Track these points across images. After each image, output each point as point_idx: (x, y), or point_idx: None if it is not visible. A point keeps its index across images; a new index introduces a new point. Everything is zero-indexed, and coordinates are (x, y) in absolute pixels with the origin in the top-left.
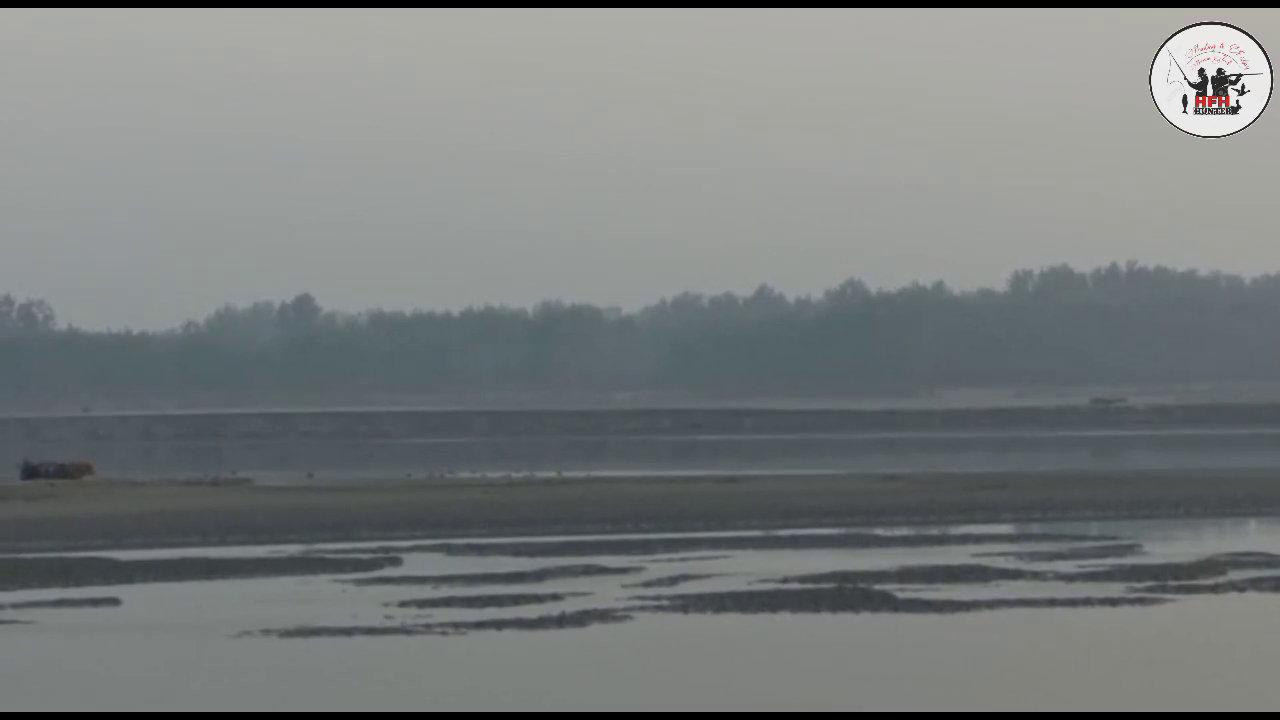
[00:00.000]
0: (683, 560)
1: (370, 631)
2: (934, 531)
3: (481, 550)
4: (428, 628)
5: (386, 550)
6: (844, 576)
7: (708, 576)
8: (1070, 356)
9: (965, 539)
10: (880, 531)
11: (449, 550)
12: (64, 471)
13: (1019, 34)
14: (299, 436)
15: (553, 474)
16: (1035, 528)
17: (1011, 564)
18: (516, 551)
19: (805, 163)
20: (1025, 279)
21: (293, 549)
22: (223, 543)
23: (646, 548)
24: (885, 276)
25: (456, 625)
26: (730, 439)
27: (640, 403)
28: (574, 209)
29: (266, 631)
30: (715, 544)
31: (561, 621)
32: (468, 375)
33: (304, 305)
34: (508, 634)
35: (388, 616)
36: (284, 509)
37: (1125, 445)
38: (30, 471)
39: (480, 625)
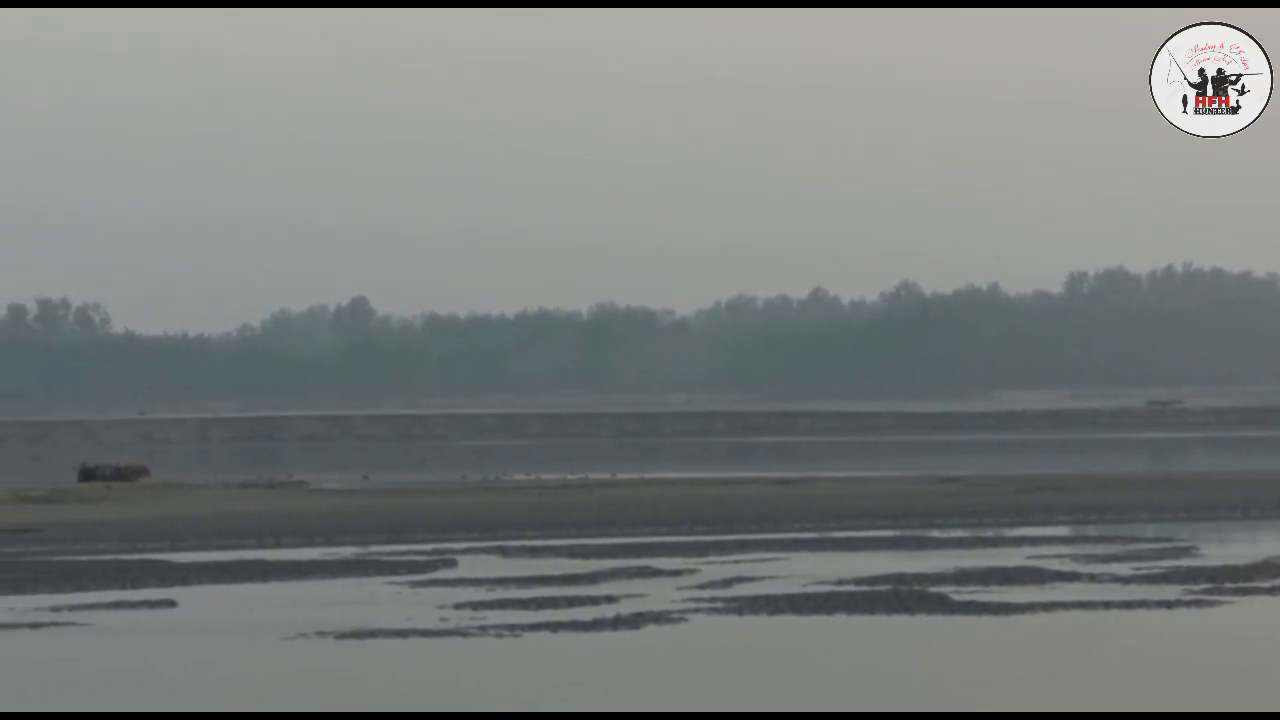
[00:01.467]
0: (737, 562)
1: (425, 634)
2: (989, 533)
3: (536, 552)
4: (483, 630)
5: (441, 552)
6: (899, 579)
7: (762, 579)
8: (1126, 358)
9: (1021, 541)
10: (935, 533)
11: (504, 552)
12: (120, 474)
13: (1053, 35)
14: (354, 439)
15: (607, 476)
16: (1091, 530)
17: (1067, 566)
18: (571, 553)
19: (859, 166)
20: (1080, 281)
21: (348, 551)
22: (278, 545)
23: (701, 550)
24: (940, 278)
25: (511, 627)
26: (785, 441)
27: (694, 405)
28: (628, 212)
29: (322, 634)
30: (770, 546)
31: (616, 624)
32: (522, 378)
33: (359, 308)
34: (563, 636)
35: (443, 619)
36: (339, 511)
37: (1181, 447)
38: (87, 474)
39: (535, 627)
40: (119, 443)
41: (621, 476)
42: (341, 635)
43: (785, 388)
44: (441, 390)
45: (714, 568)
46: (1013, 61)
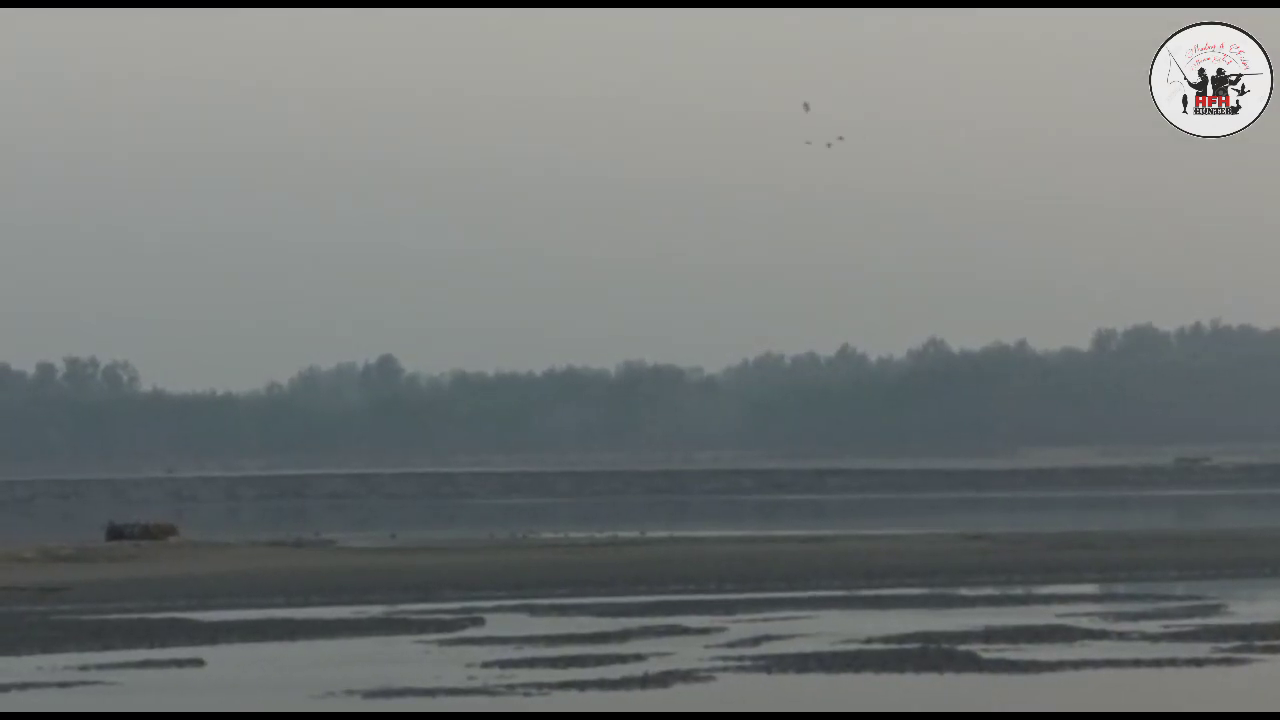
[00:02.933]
0: (766, 620)
1: (453, 692)
2: (1018, 591)
3: (564, 610)
4: (510, 688)
5: (469, 611)
6: (928, 637)
7: (791, 637)
8: (1155, 415)
9: (1050, 599)
10: (964, 591)
11: (532, 611)
12: (148, 532)
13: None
14: (382, 497)
15: (635, 534)
16: (1120, 588)
17: (1096, 624)
18: (599, 612)
19: (886, 220)
20: (1108, 338)
21: (376, 610)
22: (306, 603)
23: (729, 608)
24: (968, 335)
25: (539, 686)
26: (813, 499)
27: (723, 463)
28: (656, 270)
29: (350, 692)
30: (798, 604)
31: (645, 682)
32: (550, 436)
33: (387, 366)
34: (591, 694)
35: (471, 677)
36: (367, 570)
37: (1211, 504)
38: (115, 532)
39: (563, 686)
40: (147, 501)
41: (650, 534)
42: (369, 694)
43: (813, 445)
44: (469, 448)
45: (742, 626)
46: (1036, 101)
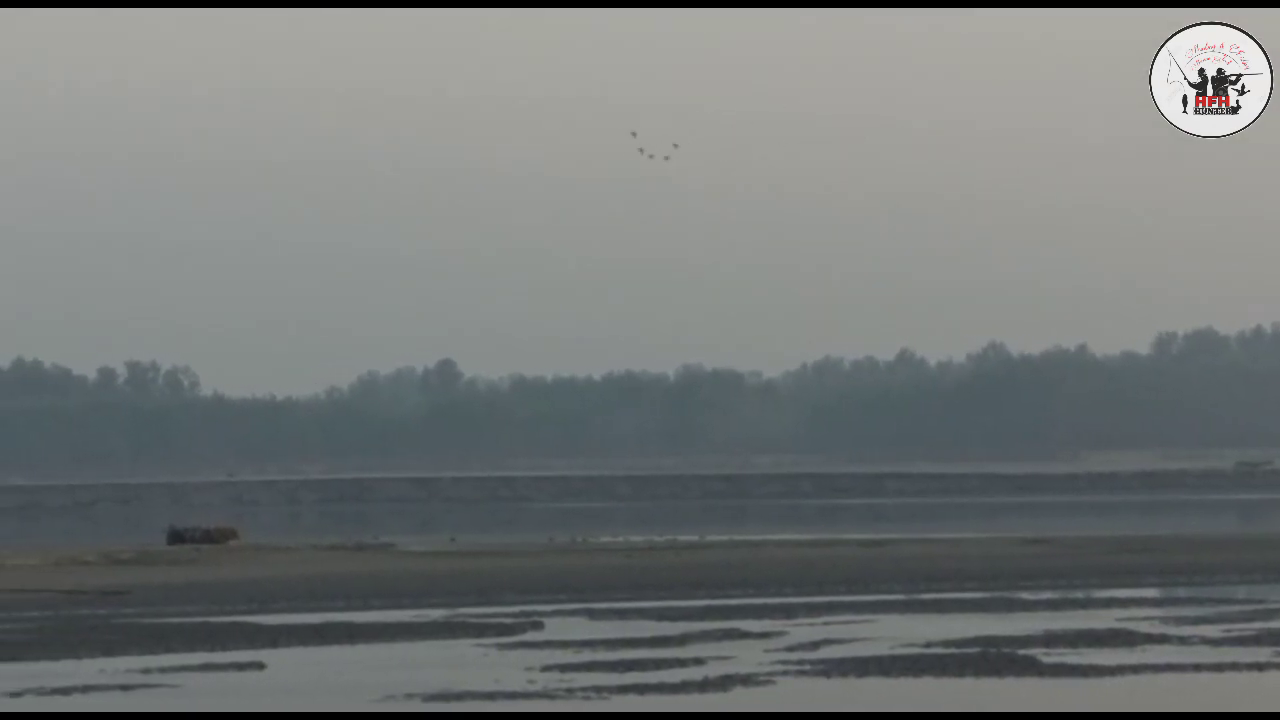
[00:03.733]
0: (825, 624)
1: (513, 696)
2: (1079, 595)
3: (623, 614)
4: (570, 692)
5: (529, 614)
6: (988, 641)
7: (850, 641)
8: (1215, 419)
9: (1110, 603)
10: (1024, 595)
11: (591, 614)
12: (209, 536)
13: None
14: (442, 501)
15: (694, 538)
16: (1181, 591)
17: (1157, 628)
18: (658, 616)
19: (945, 224)
20: (1169, 341)
21: (436, 613)
22: (366, 607)
23: (788, 612)
24: (1027, 339)
25: (599, 690)
26: (872, 503)
27: (782, 466)
28: (713, 274)
29: (410, 695)
30: (858, 608)
31: (704, 686)
32: (609, 440)
33: (446, 370)
34: (650, 698)
35: (530, 681)
36: (427, 573)
37: (1271, 508)
38: (176, 536)
39: (622, 689)
40: (208, 505)
41: (709, 538)
42: (429, 697)
43: (872, 449)
44: (528, 452)
45: (802, 630)
46: (1084, 102)
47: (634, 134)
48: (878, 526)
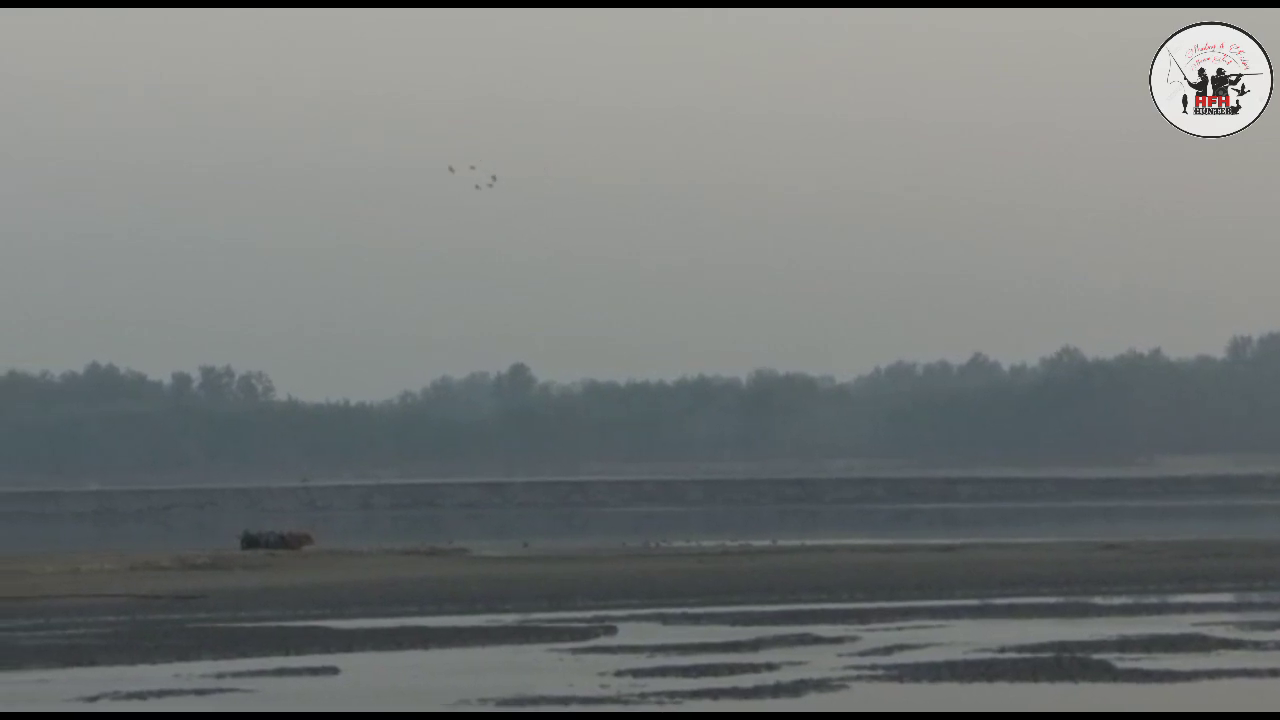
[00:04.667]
0: (898, 629)
1: (587, 701)
2: (1153, 600)
3: (696, 619)
4: (643, 697)
5: (602, 619)
6: (1062, 646)
7: (924, 646)
8: None
9: (1185, 608)
10: (1098, 600)
11: (664, 619)
12: (284, 541)
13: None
14: (515, 506)
15: (767, 543)
16: (1256, 596)
17: (1232, 633)
18: (731, 620)
19: (1019, 228)
20: (1244, 345)
21: (509, 618)
22: (440, 612)
23: (862, 617)
24: (1101, 343)
25: (672, 694)
26: (945, 507)
27: (855, 471)
28: (786, 278)
29: (484, 700)
30: (931, 613)
31: (777, 691)
32: (682, 444)
33: (519, 375)
34: (723, 703)
35: (604, 685)
36: (500, 578)
37: None
38: (250, 541)
39: (695, 694)
40: (282, 510)
41: (782, 543)
42: (503, 702)
43: (945, 454)
44: (601, 457)
45: (875, 635)
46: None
47: (451, 169)
48: (951, 531)
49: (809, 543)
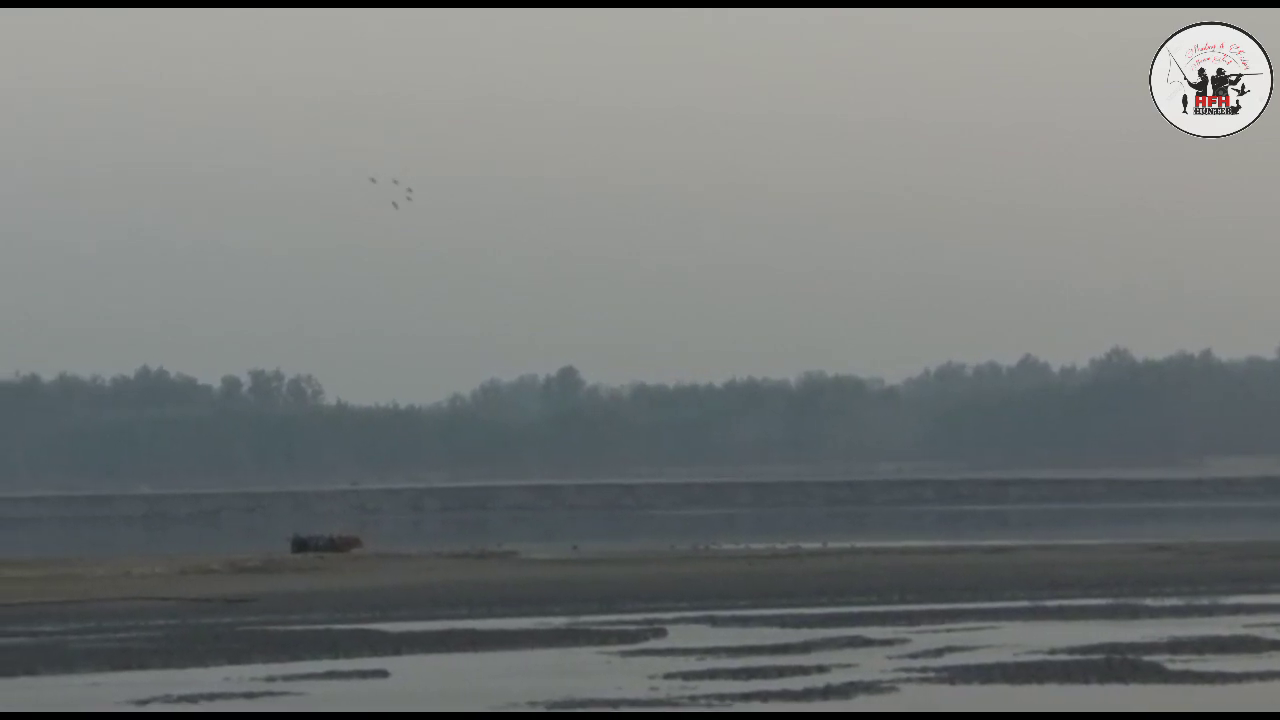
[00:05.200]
0: (948, 631)
1: (636, 704)
2: (1204, 602)
3: (746, 622)
4: (693, 699)
5: (651, 622)
6: (1112, 648)
7: (974, 648)
8: None
9: (1236, 609)
10: (1149, 602)
11: (714, 622)
12: (333, 544)
13: None
14: (564, 509)
15: (817, 545)
16: None
17: None
18: (781, 623)
19: (1067, 229)
20: None
21: (558, 621)
22: (489, 615)
23: (911, 619)
24: (1151, 344)
25: (722, 697)
26: (995, 509)
27: (904, 473)
28: (835, 281)
29: (533, 703)
30: (981, 615)
31: (827, 693)
32: (730, 447)
33: (568, 378)
34: (773, 705)
35: (653, 688)
36: (549, 581)
37: None
38: (300, 544)
39: (745, 697)
40: (331, 513)
41: (831, 545)
42: (553, 704)
43: (995, 455)
44: (650, 460)
45: (925, 637)
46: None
47: (373, 180)
48: (1000, 533)
49: (858, 545)
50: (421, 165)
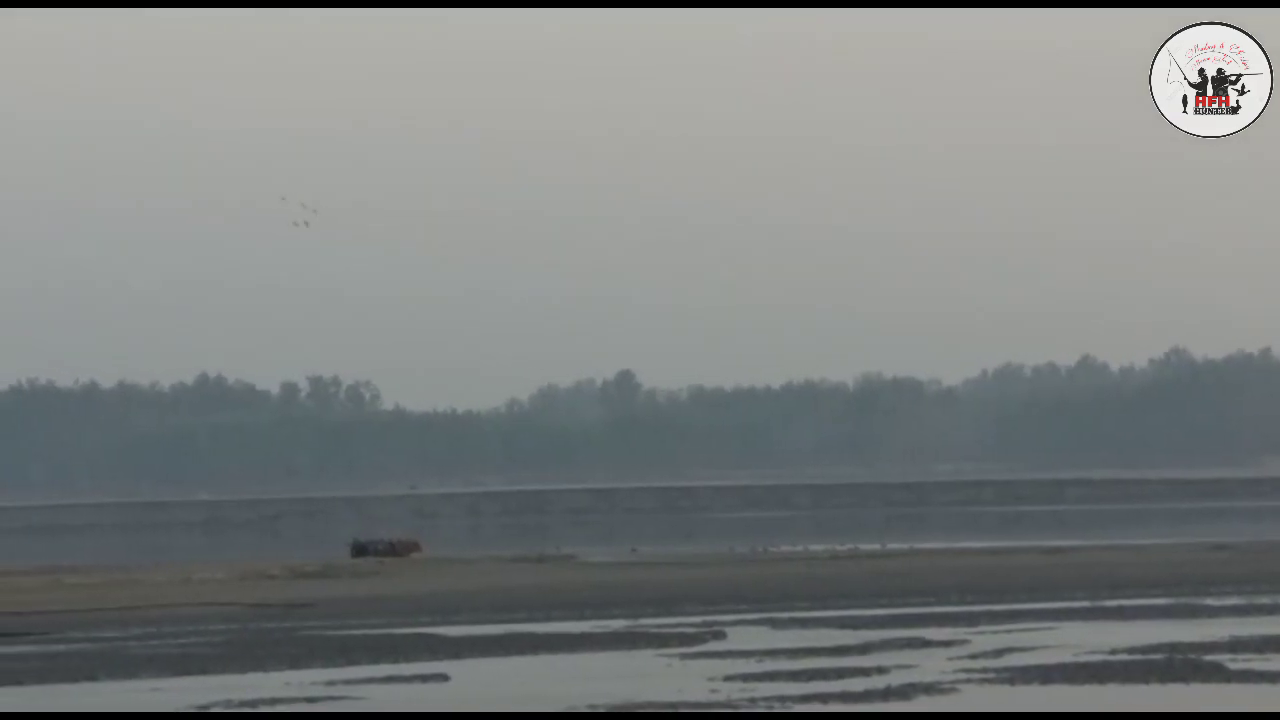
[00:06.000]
0: (1008, 632)
1: (696, 706)
2: (1264, 601)
3: (805, 624)
4: (753, 702)
5: (711, 624)
6: (1173, 648)
7: (1034, 649)
8: None
9: None
10: (1209, 601)
11: (773, 624)
12: (392, 549)
13: None
14: (622, 512)
15: (875, 547)
16: None
17: None
18: (840, 625)
19: (1126, 230)
20: None
21: (617, 624)
22: (548, 618)
23: (971, 620)
24: (1210, 343)
25: (781, 699)
26: (1054, 509)
27: (963, 474)
28: (893, 282)
29: (593, 706)
30: (1041, 615)
31: (887, 695)
32: (789, 449)
33: (625, 382)
34: (833, 707)
35: (713, 691)
36: (608, 584)
37: None
38: (359, 549)
39: (805, 699)
40: (390, 518)
41: (890, 547)
42: (612, 707)
43: (1054, 456)
44: (708, 462)
45: (985, 638)
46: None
47: (283, 198)
48: (1060, 533)
49: (917, 546)
50: (476, 174)
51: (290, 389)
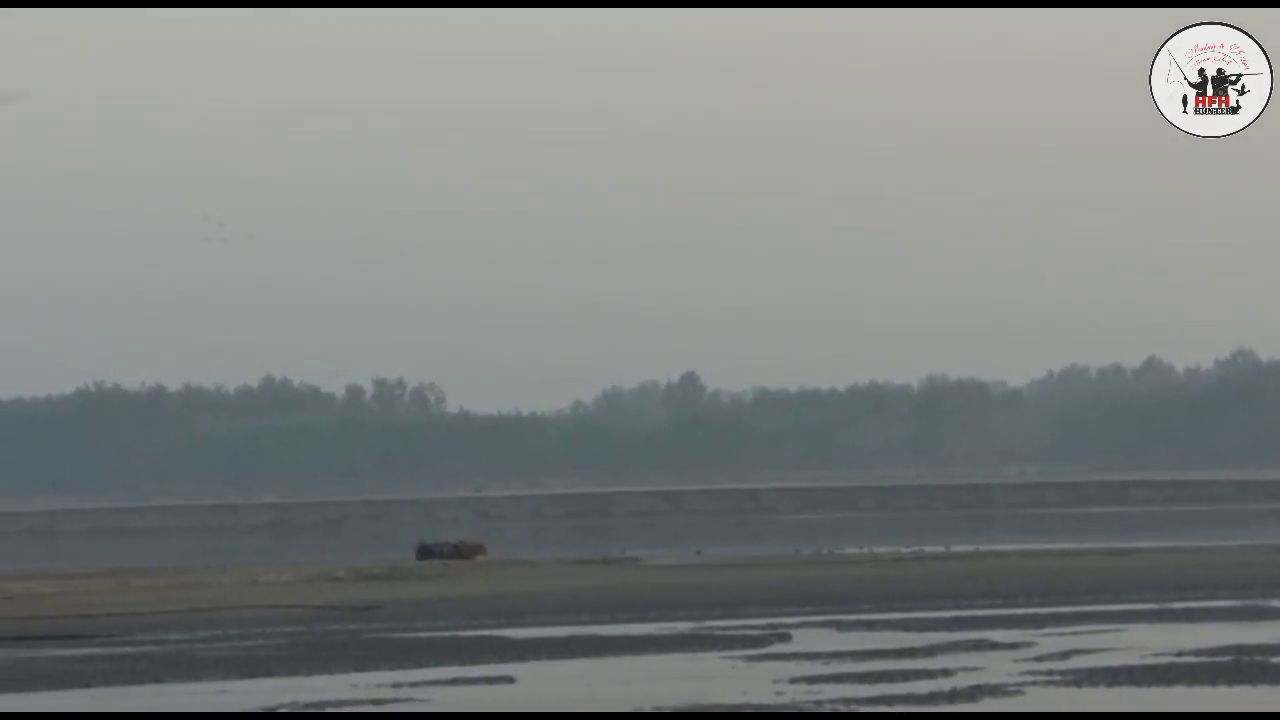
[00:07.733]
0: (1074, 634)
1: (761, 708)
2: None
3: (870, 626)
4: (818, 704)
5: (775, 627)
6: (1240, 650)
7: (1100, 651)
8: None
9: None
10: (1276, 604)
11: (838, 626)
12: (458, 551)
13: None
14: (686, 514)
15: (940, 549)
16: None
17: None
18: (906, 627)
19: (1191, 230)
20: None
21: (682, 626)
22: (613, 620)
23: (1037, 622)
24: (1277, 344)
25: (847, 701)
26: (1120, 511)
27: (1028, 476)
28: (958, 283)
29: (659, 708)
30: (1107, 617)
31: (953, 697)
32: (853, 451)
33: (690, 384)
34: (899, 709)
35: (779, 693)
36: (673, 586)
37: None
38: (425, 552)
39: (871, 701)
40: (456, 520)
41: (955, 549)
42: (678, 709)
43: (1119, 457)
44: (772, 464)
45: (1051, 640)
46: None
47: (205, 218)
48: (1125, 535)
49: (983, 548)
50: (541, 177)
51: (355, 391)
